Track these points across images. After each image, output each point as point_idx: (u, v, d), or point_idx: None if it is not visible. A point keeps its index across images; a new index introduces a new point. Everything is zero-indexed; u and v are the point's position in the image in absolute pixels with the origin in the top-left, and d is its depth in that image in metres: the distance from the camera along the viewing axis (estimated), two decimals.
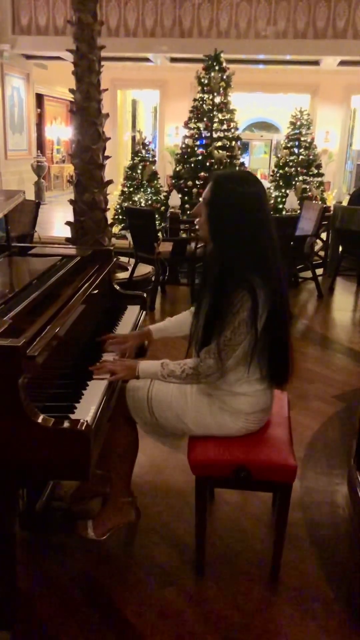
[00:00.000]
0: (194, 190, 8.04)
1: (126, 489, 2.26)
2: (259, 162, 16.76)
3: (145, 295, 2.90)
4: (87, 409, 1.78)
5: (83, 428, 1.59)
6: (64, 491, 2.50)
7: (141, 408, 2.13)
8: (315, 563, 2.27)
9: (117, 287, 2.91)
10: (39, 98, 13.84)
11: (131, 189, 9.25)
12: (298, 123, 9.80)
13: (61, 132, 16.11)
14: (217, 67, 8.23)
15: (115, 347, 2.25)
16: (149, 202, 9.09)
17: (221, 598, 2.07)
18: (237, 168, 8.21)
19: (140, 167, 9.24)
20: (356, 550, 2.34)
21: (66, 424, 1.60)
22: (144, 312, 2.79)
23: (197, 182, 8.10)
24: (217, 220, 1.89)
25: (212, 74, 8.18)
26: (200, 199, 1.97)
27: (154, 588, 2.10)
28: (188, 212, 7.71)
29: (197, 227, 1.99)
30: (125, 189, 9.33)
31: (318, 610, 2.04)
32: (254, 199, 1.87)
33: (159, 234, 6.60)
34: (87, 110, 4.84)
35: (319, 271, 6.84)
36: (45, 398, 1.79)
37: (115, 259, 2.93)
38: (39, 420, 1.58)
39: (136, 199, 9.16)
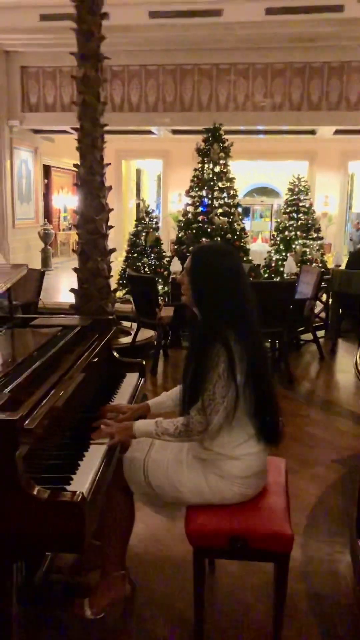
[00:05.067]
0: None
1: (120, 562, 2.25)
2: (260, 225, 17.19)
3: (143, 362, 2.96)
4: (83, 480, 1.80)
5: (78, 500, 1.61)
6: (63, 563, 2.48)
7: (138, 477, 2.16)
8: (317, 637, 2.22)
9: (116, 355, 2.98)
10: (47, 169, 14.37)
11: (135, 255, 9.47)
12: (296, 189, 10.08)
13: (68, 200, 16.63)
14: (215, 140, 8.56)
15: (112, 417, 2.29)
16: (153, 267, 9.28)
17: None
18: (237, 233, 8.46)
19: (143, 234, 9.49)
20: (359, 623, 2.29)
21: (61, 497, 1.63)
22: (143, 380, 2.84)
23: None
24: (198, 287, 2.09)
25: (212, 146, 8.52)
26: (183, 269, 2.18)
27: None
28: None
29: (182, 293, 2.19)
30: (130, 255, 9.55)
31: None
32: (228, 269, 2.08)
33: (161, 299, 6.72)
34: (91, 183, 5.06)
35: (320, 333, 6.91)
36: (42, 469, 1.81)
37: (114, 328, 3.00)
38: (35, 492, 1.61)
39: (140, 264, 9.36)
